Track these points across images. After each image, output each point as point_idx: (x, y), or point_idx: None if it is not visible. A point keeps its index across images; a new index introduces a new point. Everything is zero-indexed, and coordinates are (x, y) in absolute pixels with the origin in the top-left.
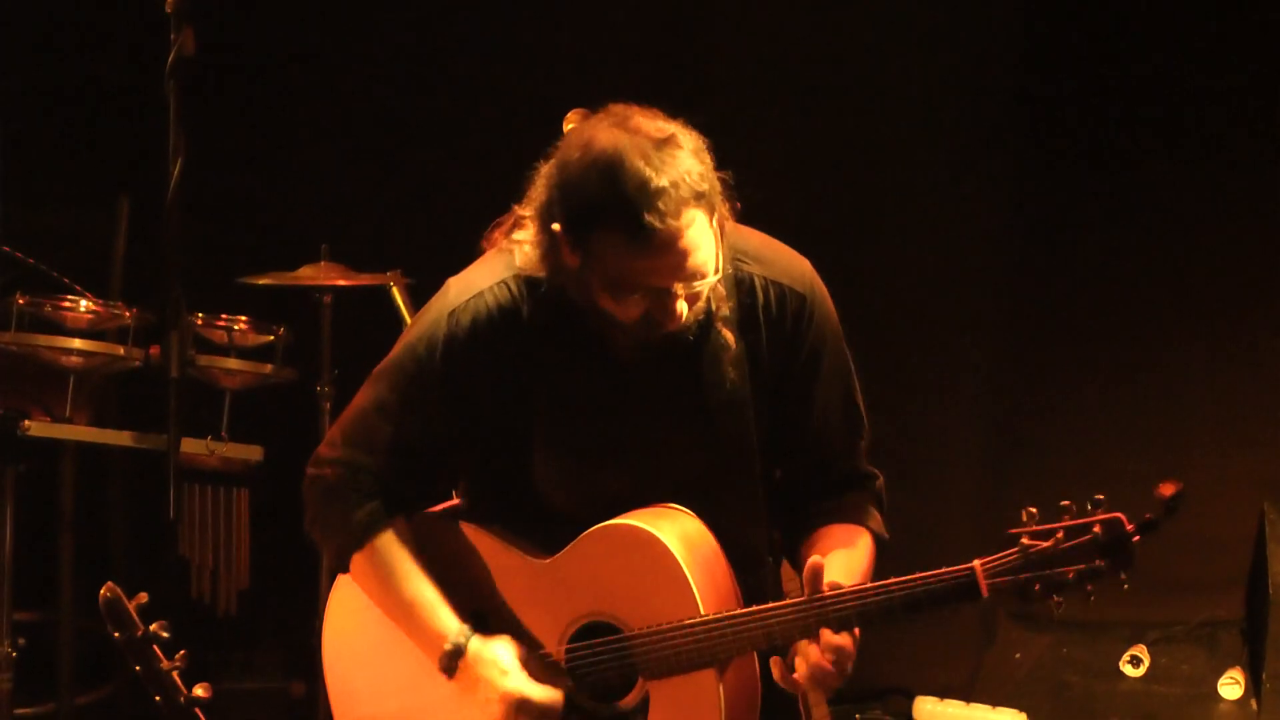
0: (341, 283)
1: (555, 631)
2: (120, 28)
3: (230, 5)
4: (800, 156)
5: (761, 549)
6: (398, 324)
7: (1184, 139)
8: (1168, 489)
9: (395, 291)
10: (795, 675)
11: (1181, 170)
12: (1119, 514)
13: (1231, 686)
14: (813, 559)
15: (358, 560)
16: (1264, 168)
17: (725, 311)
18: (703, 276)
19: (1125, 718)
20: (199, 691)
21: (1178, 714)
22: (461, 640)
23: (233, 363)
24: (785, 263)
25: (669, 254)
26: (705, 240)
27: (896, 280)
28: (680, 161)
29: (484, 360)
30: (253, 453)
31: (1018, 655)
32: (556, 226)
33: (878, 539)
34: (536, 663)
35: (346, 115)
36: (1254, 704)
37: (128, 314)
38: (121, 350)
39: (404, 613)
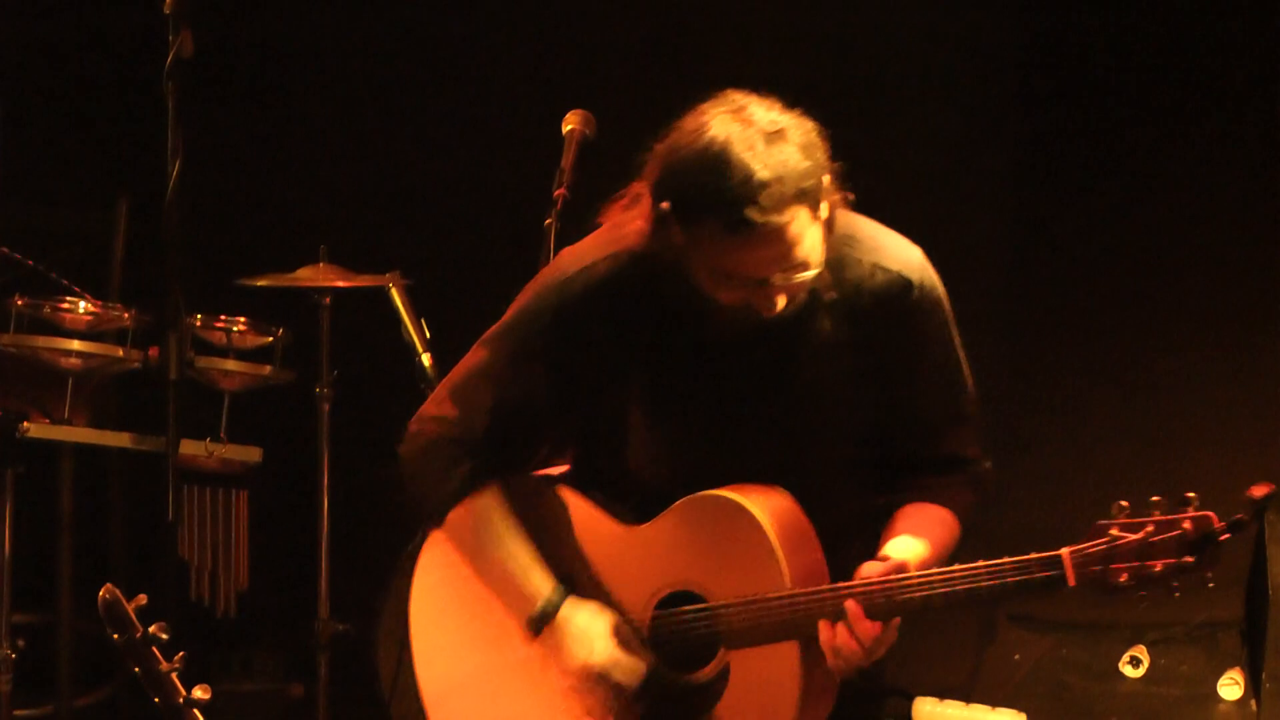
0: (340, 284)
1: (642, 598)
2: (118, 29)
3: (228, 7)
4: None
5: (851, 533)
6: (396, 325)
7: (1183, 138)
8: (1259, 490)
9: (394, 293)
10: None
11: (1182, 170)
12: (1209, 513)
13: (1231, 687)
14: (895, 560)
15: (454, 516)
16: (1266, 166)
17: (829, 299)
18: (803, 270)
19: (1124, 719)
20: (198, 693)
21: (1177, 715)
22: (554, 601)
23: (231, 364)
24: (895, 249)
25: (768, 247)
26: (807, 236)
27: None
28: (788, 157)
29: (592, 330)
30: (252, 454)
31: (1017, 656)
32: (665, 205)
33: (962, 521)
34: (625, 631)
35: (344, 117)
36: (1253, 705)
37: (126, 315)
38: (120, 352)
39: (497, 571)
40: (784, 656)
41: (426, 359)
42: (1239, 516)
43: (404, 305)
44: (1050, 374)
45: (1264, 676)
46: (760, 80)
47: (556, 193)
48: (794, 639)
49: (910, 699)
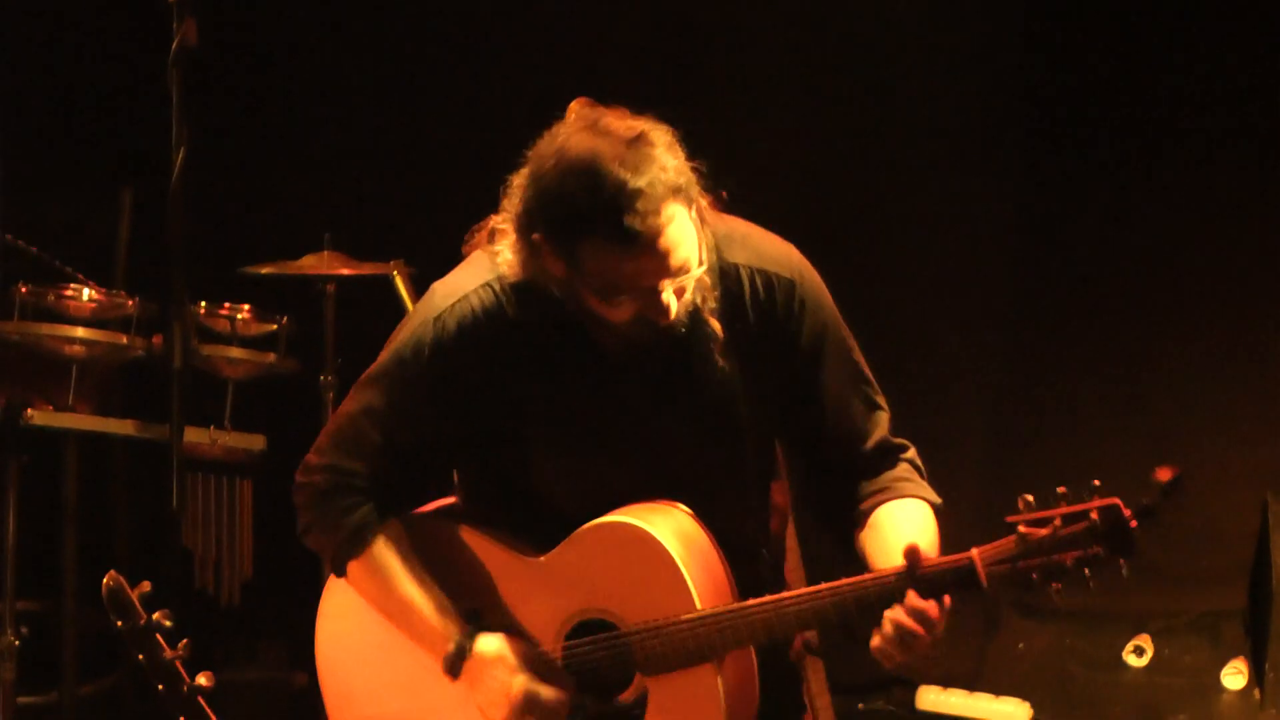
0: (344, 272)
1: (551, 629)
2: (123, 18)
3: None
4: (803, 153)
5: (756, 541)
6: (400, 313)
7: (1187, 133)
8: (1165, 474)
9: (398, 281)
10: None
11: (1185, 162)
12: (1116, 500)
13: (1234, 677)
14: (909, 545)
15: (354, 566)
16: (1269, 158)
17: (711, 303)
18: (688, 270)
19: (1128, 708)
20: (202, 681)
21: (1180, 704)
22: (465, 640)
23: (235, 352)
24: (770, 249)
25: (654, 253)
26: (687, 234)
27: (899, 275)
28: (655, 159)
29: (472, 363)
30: (255, 442)
31: (1021, 645)
32: (537, 236)
33: (934, 506)
34: (538, 660)
35: (349, 105)
36: (1257, 694)
37: (130, 303)
38: (124, 339)
39: (404, 615)
40: (701, 677)
41: None
42: (1146, 502)
43: (408, 293)
44: (1053, 367)
45: (1267, 666)
46: (761, 79)
47: None
48: (708, 661)
49: (914, 688)
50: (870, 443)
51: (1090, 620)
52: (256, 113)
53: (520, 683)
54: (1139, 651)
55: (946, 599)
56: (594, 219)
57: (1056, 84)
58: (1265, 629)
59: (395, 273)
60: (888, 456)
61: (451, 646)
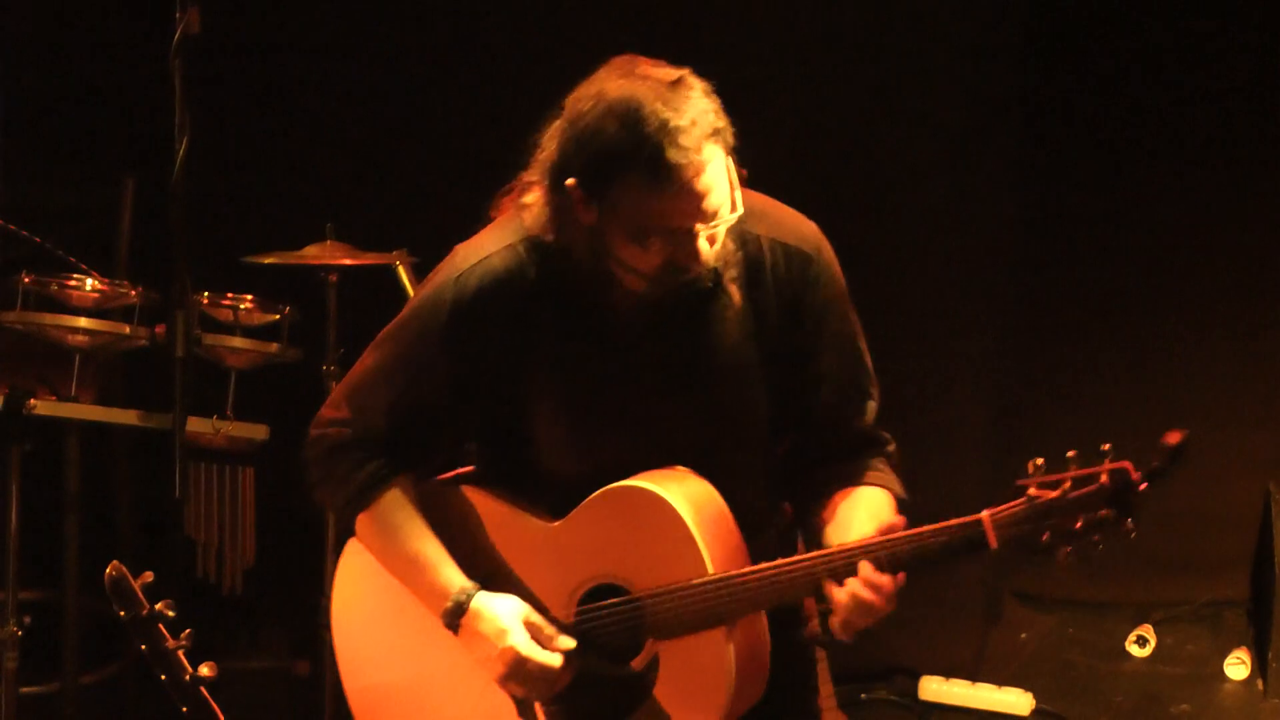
0: (347, 262)
1: (564, 594)
2: (126, 6)
3: None
4: (803, 151)
5: (765, 514)
6: (403, 303)
7: (1187, 123)
8: (1173, 437)
9: (400, 270)
10: (833, 612)
11: (1186, 149)
12: (1126, 463)
13: (1237, 666)
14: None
15: (363, 520)
16: (1271, 144)
17: (732, 272)
18: (724, 214)
19: (1130, 698)
20: (204, 670)
21: (1183, 694)
22: (464, 597)
23: (238, 342)
24: (792, 223)
25: (692, 192)
26: (723, 178)
27: (904, 258)
28: (695, 100)
29: (490, 325)
30: (258, 432)
31: (1023, 635)
32: (571, 182)
33: (898, 500)
34: (541, 622)
35: (351, 94)
36: (1260, 684)
37: (133, 293)
38: (127, 329)
39: (409, 570)
40: (712, 642)
41: None
42: (1156, 464)
43: (410, 283)
44: (1056, 353)
45: (1270, 656)
46: (760, 78)
47: None
48: (719, 626)
49: (916, 678)
50: (855, 428)
51: (1093, 610)
52: (259, 102)
53: (510, 644)
54: (1141, 641)
55: (901, 575)
56: (635, 155)
57: (1058, 68)
58: (1268, 618)
59: (398, 263)
60: (869, 445)
61: (450, 604)
